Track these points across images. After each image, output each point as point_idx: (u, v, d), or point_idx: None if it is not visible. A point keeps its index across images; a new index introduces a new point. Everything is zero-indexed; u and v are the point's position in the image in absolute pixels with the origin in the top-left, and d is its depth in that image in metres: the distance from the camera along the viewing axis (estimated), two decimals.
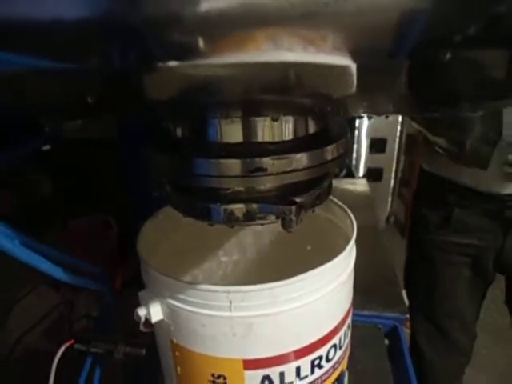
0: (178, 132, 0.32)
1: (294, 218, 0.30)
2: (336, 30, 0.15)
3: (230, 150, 0.29)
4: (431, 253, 0.86)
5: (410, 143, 2.22)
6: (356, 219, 0.98)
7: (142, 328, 0.36)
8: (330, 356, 0.37)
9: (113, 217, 1.41)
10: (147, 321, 0.35)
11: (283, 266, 0.44)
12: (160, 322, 0.35)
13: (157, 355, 0.41)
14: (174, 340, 0.35)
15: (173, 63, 0.16)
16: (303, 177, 0.31)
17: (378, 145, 2.15)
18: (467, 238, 0.81)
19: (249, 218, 0.32)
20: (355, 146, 2.09)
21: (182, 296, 0.32)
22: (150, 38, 0.15)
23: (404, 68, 0.20)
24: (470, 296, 0.87)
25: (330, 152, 0.32)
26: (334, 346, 0.37)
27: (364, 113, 0.38)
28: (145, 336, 0.41)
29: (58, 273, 0.34)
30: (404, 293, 1.13)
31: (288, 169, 0.29)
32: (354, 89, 0.21)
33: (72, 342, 0.48)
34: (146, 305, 0.34)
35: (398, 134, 2.13)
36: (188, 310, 0.32)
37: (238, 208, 0.31)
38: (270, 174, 0.29)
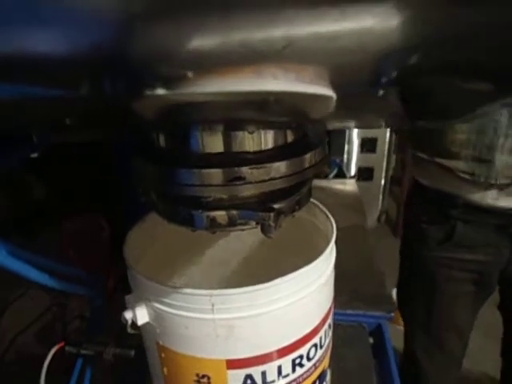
0: (162, 142, 0.33)
1: (272, 224, 0.32)
2: (314, 67, 0.16)
3: (211, 160, 0.31)
4: (431, 269, 0.82)
5: (401, 142, 2.24)
6: (344, 219, 1.00)
7: (129, 330, 0.38)
8: (311, 355, 0.38)
9: (105, 218, 1.41)
10: (134, 323, 0.36)
11: (267, 266, 0.45)
12: (146, 325, 0.36)
13: (145, 356, 0.42)
14: (160, 342, 0.36)
15: (160, 91, 0.17)
16: (282, 184, 0.32)
17: (368, 144, 2.17)
18: (472, 253, 0.77)
19: (230, 224, 0.33)
20: (346, 146, 2.11)
21: (166, 299, 0.33)
22: (140, 71, 0.16)
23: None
24: (469, 309, 0.85)
25: (308, 159, 0.34)
26: (315, 345, 0.38)
27: (347, 127, 0.40)
28: (133, 337, 0.43)
29: (46, 280, 0.35)
30: (393, 292, 1.15)
31: (266, 177, 0.31)
32: (332, 111, 0.22)
33: (63, 344, 0.50)
34: (133, 308, 0.35)
35: (388, 133, 2.15)
36: (172, 313, 0.33)
37: (220, 215, 0.33)
38: (249, 183, 0.30)
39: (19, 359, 1.27)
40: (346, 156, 2.13)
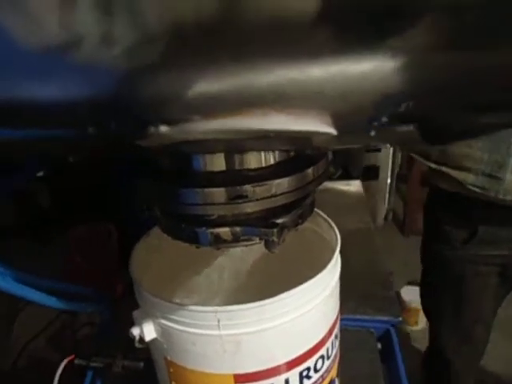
0: (164, 162, 0.34)
1: (276, 240, 0.32)
2: (316, 111, 0.17)
3: (213, 179, 0.31)
4: (457, 267, 0.83)
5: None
6: (350, 221, 1.00)
7: (137, 345, 0.38)
8: (318, 367, 0.38)
9: (113, 223, 1.43)
10: (141, 339, 0.37)
11: (273, 278, 0.46)
12: (154, 341, 0.36)
13: (154, 368, 0.43)
14: (168, 357, 0.36)
15: (164, 130, 0.18)
16: (284, 200, 0.32)
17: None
18: (497, 249, 0.78)
19: (234, 240, 0.33)
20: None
21: (172, 316, 0.34)
22: (145, 115, 0.17)
23: None
24: (495, 300, 0.87)
25: (310, 174, 0.34)
26: (322, 356, 0.38)
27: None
28: (142, 350, 0.43)
29: (50, 302, 0.35)
30: (402, 291, 1.14)
31: (268, 194, 0.31)
32: (334, 142, 0.23)
33: (73, 357, 0.50)
34: (140, 324, 0.36)
35: None
36: (179, 330, 0.34)
37: (224, 231, 0.33)
38: (252, 201, 0.31)
39: (31, 365, 1.29)
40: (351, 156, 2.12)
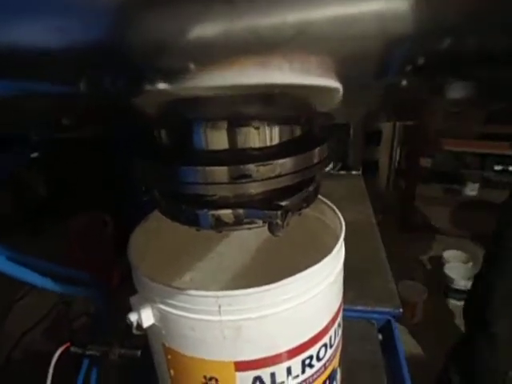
0: (164, 139, 0.32)
1: (280, 223, 0.31)
2: (318, 56, 0.15)
3: (215, 157, 0.30)
4: None
5: (406, 135, 2.22)
6: (350, 213, 0.99)
7: (134, 332, 0.37)
8: (321, 355, 0.37)
9: (109, 212, 1.41)
10: (139, 325, 0.35)
11: (274, 265, 0.45)
12: (152, 327, 0.35)
13: (151, 356, 0.42)
14: (166, 344, 0.35)
15: (162, 86, 0.16)
16: (288, 181, 0.31)
17: (373, 137, 2.15)
18: None
19: (236, 222, 0.32)
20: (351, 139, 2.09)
21: (171, 301, 0.33)
22: (140, 65, 0.15)
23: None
24: None
25: (315, 155, 0.33)
26: (325, 345, 0.37)
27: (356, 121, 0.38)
28: (139, 337, 0.42)
29: (46, 284, 0.34)
30: (399, 287, 1.13)
31: (273, 174, 0.30)
32: (340, 103, 0.21)
33: (68, 345, 0.49)
34: (138, 310, 0.35)
35: (392, 125, 2.13)
36: (178, 315, 0.33)
37: (225, 213, 0.32)
38: (255, 181, 0.29)
39: (26, 357, 1.28)
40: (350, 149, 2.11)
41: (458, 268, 1.71)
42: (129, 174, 0.34)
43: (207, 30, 0.13)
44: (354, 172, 1.27)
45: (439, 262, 1.82)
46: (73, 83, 0.15)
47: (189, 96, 0.17)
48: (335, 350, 0.40)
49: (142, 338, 0.41)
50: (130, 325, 0.36)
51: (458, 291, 1.64)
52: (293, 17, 0.13)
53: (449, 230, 2.14)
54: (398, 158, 2.29)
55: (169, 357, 0.36)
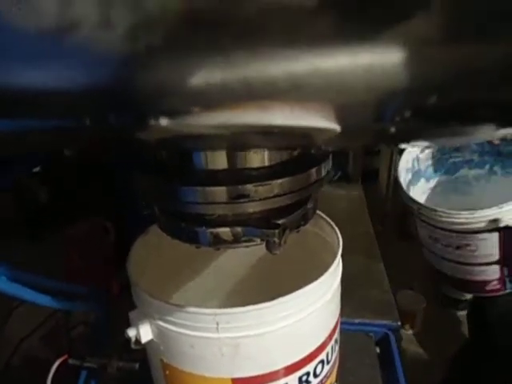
0: (165, 158, 0.33)
1: (277, 241, 0.31)
2: (319, 104, 0.16)
3: (215, 177, 0.30)
4: None
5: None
6: (349, 225, 0.99)
7: (133, 346, 0.37)
8: (318, 371, 0.37)
9: (110, 221, 1.41)
10: (137, 340, 0.36)
11: (273, 281, 0.45)
12: (150, 342, 0.36)
13: (149, 370, 0.42)
14: (164, 359, 0.35)
15: (164, 124, 0.17)
16: (286, 201, 0.31)
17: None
18: None
19: (234, 240, 0.32)
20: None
21: (170, 318, 0.33)
22: (144, 105, 0.16)
23: None
24: None
25: (313, 175, 0.33)
26: (322, 361, 0.38)
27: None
28: (138, 351, 0.42)
29: (45, 301, 0.35)
30: (398, 296, 1.13)
31: (270, 194, 0.30)
32: (338, 139, 0.22)
33: (66, 357, 0.49)
34: (136, 325, 0.35)
35: None
36: (176, 332, 0.33)
37: (224, 231, 0.32)
38: (253, 200, 0.30)
39: (25, 364, 1.27)
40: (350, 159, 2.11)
41: None
42: (129, 186, 0.35)
43: (205, 77, 0.14)
44: (353, 183, 1.28)
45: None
46: (79, 119, 0.16)
47: (190, 133, 0.17)
48: (332, 366, 0.40)
49: (141, 352, 0.42)
50: (128, 339, 0.36)
51: (456, 301, 1.64)
52: (283, 71, 0.13)
53: None
54: (397, 166, 2.30)
55: (167, 372, 0.36)
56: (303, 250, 0.45)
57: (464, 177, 0.88)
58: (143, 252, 0.41)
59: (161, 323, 0.34)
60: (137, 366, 0.48)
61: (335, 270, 0.37)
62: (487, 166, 0.86)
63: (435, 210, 0.63)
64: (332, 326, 0.38)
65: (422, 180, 0.90)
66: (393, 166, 2.26)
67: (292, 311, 0.33)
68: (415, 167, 0.81)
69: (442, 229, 0.67)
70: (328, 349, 0.38)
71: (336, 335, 0.40)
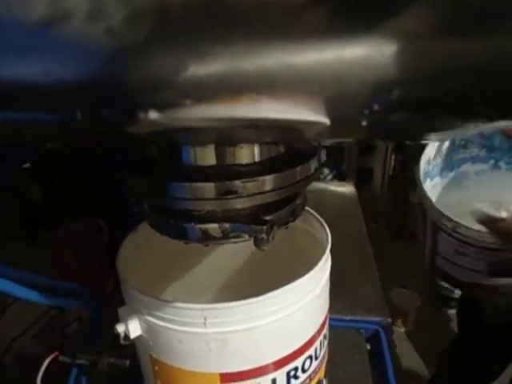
0: (153, 154, 0.33)
1: (265, 237, 0.31)
2: (308, 95, 0.16)
3: (203, 173, 0.30)
4: None
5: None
6: (342, 223, 1.00)
7: (122, 342, 0.37)
8: (306, 367, 0.38)
9: (104, 220, 1.41)
10: (126, 336, 0.36)
11: (263, 276, 0.45)
12: (139, 338, 0.36)
13: (140, 366, 0.42)
14: (153, 355, 0.36)
15: (155, 115, 0.17)
16: (274, 197, 0.32)
17: (367, 145, 2.17)
18: None
19: (223, 236, 0.33)
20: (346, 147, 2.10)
21: (158, 313, 0.33)
22: (135, 98, 0.16)
23: None
24: None
25: (301, 171, 0.33)
26: (310, 357, 0.38)
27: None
28: (128, 347, 0.42)
29: (36, 297, 0.35)
30: (391, 294, 1.13)
31: (258, 190, 0.30)
32: (326, 133, 0.22)
33: (57, 354, 0.49)
34: (125, 321, 0.35)
35: None
36: (165, 327, 0.33)
37: (213, 228, 0.32)
38: (242, 196, 0.30)
39: (17, 363, 1.27)
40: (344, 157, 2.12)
41: None
42: (120, 183, 0.35)
43: (197, 70, 0.14)
44: (347, 181, 1.28)
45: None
46: (70, 113, 0.16)
47: (179, 127, 0.17)
48: (321, 362, 0.40)
49: (131, 348, 0.42)
50: (117, 335, 0.36)
51: (450, 299, 1.65)
52: (277, 60, 0.14)
53: None
54: (392, 165, 2.31)
55: (156, 368, 0.36)
56: (293, 247, 0.46)
57: (465, 172, 0.87)
58: (133, 249, 0.41)
59: (149, 318, 0.34)
60: (127, 362, 0.49)
61: (324, 265, 0.38)
62: (492, 161, 0.85)
63: (478, 231, 0.62)
64: (321, 322, 0.39)
65: (428, 180, 0.90)
66: (387, 165, 2.28)
67: (281, 306, 0.33)
68: (426, 169, 0.80)
69: (477, 246, 0.66)
70: (316, 344, 0.38)
71: (325, 331, 0.40)
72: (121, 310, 0.37)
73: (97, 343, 0.54)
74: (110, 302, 0.59)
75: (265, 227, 0.31)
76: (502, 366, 0.94)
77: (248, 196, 0.30)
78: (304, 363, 0.37)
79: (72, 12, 0.14)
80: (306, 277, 0.35)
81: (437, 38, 0.15)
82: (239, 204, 0.31)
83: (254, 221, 0.32)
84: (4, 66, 0.15)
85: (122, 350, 0.49)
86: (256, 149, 0.31)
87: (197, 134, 0.20)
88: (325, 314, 0.40)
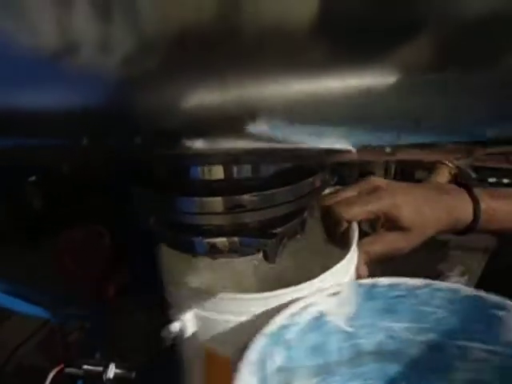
0: (160, 170, 0.33)
1: (274, 250, 0.31)
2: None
3: (211, 188, 0.30)
4: None
5: None
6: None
7: (169, 343, 0.37)
8: None
9: (106, 225, 1.40)
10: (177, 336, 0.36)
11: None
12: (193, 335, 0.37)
13: (146, 378, 0.42)
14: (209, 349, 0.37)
15: (161, 144, 0.17)
16: (283, 210, 0.31)
17: None
18: None
19: (231, 250, 0.32)
20: None
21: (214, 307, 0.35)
22: (142, 127, 0.16)
23: None
24: None
25: (310, 184, 0.33)
26: None
27: None
28: (134, 358, 0.42)
29: (38, 312, 0.34)
30: None
31: (267, 204, 0.30)
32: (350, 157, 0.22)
33: (62, 366, 0.49)
34: (180, 320, 0.36)
35: None
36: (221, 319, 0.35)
37: (221, 241, 0.32)
38: (249, 211, 0.30)
39: (19, 373, 1.26)
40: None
41: (456, 281, 1.71)
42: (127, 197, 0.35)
43: (209, 99, 0.14)
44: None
45: (434, 276, 1.82)
46: (76, 139, 0.16)
47: (189, 154, 0.17)
48: None
49: (137, 360, 0.41)
50: (168, 336, 0.36)
51: None
52: (292, 89, 0.14)
53: (443, 242, 2.14)
54: (393, 170, 2.30)
55: (209, 363, 0.37)
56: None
57: None
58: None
59: (206, 314, 0.35)
60: (133, 374, 0.48)
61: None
62: None
63: None
64: None
65: None
66: (388, 170, 2.28)
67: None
68: None
69: None
70: None
71: None
72: (172, 312, 0.37)
73: (101, 353, 0.53)
74: (112, 310, 0.59)
75: (274, 240, 0.31)
76: None
77: (256, 210, 0.30)
78: None
79: (81, 43, 0.13)
80: (345, 260, 0.37)
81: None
82: (247, 218, 0.30)
83: (263, 234, 0.31)
84: (12, 95, 0.15)
85: (128, 362, 0.48)
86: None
87: (207, 161, 0.20)
88: None
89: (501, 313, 0.29)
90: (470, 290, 0.32)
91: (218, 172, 0.30)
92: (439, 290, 0.33)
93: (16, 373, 1.15)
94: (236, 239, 0.32)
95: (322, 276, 0.35)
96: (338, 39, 0.13)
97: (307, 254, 0.47)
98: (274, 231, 0.32)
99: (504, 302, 0.30)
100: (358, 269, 0.41)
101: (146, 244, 0.45)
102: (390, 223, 0.46)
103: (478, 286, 0.31)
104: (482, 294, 0.31)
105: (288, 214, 0.33)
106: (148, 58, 0.13)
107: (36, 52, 0.13)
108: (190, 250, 0.33)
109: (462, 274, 1.68)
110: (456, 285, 0.35)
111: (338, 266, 0.36)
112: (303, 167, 0.34)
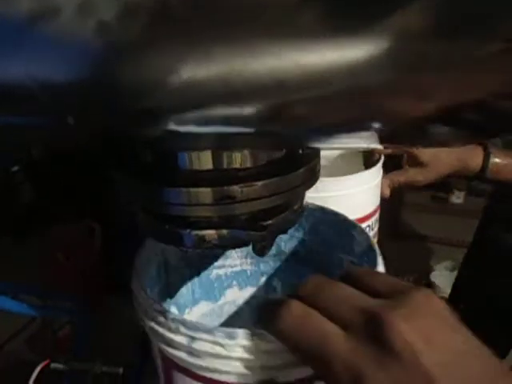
0: (146, 157, 0.32)
1: (264, 243, 0.30)
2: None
3: (199, 178, 0.29)
4: None
5: None
6: None
7: None
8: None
9: (97, 220, 1.39)
10: None
11: None
12: None
13: (133, 374, 0.41)
14: None
15: (148, 122, 0.16)
16: (274, 202, 0.30)
17: None
18: None
19: (220, 243, 0.32)
20: None
21: None
22: (126, 101, 0.15)
23: None
24: None
25: (301, 175, 0.32)
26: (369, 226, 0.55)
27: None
28: (121, 354, 0.41)
29: (25, 309, 0.33)
30: None
31: (257, 195, 0.29)
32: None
33: (48, 361, 0.48)
34: None
35: None
36: None
37: (209, 234, 0.31)
38: (239, 202, 0.29)
39: (8, 368, 1.24)
40: None
41: (445, 276, 1.72)
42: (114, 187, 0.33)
43: (195, 72, 0.13)
44: None
45: (426, 270, 1.83)
46: (60, 117, 0.15)
47: (176, 133, 0.16)
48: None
49: (124, 355, 0.41)
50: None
51: (443, 299, 1.65)
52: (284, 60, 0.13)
53: (435, 237, 2.16)
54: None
55: None
56: None
57: None
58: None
59: None
60: (121, 370, 0.47)
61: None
62: None
63: None
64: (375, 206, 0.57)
65: None
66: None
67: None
68: None
69: None
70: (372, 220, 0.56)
71: (376, 216, 0.58)
72: None
73: (89, 349, 0.52)
74: (101, 306, 0.58)
75: (264, 233, 0.30)
76: None
77: (246, 201, 0.29)
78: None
79: (59, 6, 0.12)
80: (373, 169, 0.54)
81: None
82: (237, 210, 0.29)
83: (253, 227, 0.30)
84: None
85: (116, 358, 0.47)
86: (254, 153, 0.30)
87: (195, 143, 0.19)
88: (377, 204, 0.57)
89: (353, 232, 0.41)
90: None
91: (206, 161, 0.29)
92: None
93: (5, 367, 1.13)
94: (225, 231, 0.31)
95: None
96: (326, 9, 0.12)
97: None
98: (265, 223, 0.31)
99: (355, 224, 0.42)
100: (383, 189, 0.58)
101: (135, 240, 0.44)
102: (411, 160, 0.66)
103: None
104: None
105: (279, 206, 0.32)
106: (129, 25, 0.12)
107: (9, 15, 0.12)
108: (178, 242, 0.32)
109: (452, 269, 1.70)
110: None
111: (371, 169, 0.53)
112: (295, 157, 0.33)
